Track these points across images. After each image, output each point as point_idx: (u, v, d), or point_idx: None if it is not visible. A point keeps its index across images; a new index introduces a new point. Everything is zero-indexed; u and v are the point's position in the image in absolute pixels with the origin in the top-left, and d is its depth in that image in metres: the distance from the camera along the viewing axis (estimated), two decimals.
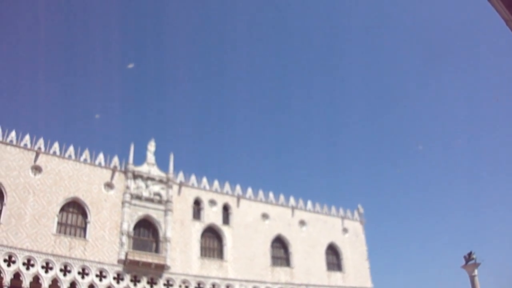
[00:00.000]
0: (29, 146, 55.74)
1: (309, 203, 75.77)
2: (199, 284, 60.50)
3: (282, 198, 73.47)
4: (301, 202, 74.92)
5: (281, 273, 67.67)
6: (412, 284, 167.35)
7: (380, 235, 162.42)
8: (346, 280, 72.68)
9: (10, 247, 50.20)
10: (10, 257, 49.96)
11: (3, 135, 54.51)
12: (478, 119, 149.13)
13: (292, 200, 74.05)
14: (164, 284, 58.13)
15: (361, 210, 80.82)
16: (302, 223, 73.07)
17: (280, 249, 70.24)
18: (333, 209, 78.03)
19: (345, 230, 77.01)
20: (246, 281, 64.01)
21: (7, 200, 51.85)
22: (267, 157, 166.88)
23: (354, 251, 76.12)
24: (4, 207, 51.56)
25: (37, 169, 55.21)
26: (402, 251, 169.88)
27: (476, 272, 51.27)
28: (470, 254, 52.16)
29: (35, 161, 55.29)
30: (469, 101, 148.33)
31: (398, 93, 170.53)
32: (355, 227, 78.81)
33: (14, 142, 54.90)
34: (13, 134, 55.18)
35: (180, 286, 59.02)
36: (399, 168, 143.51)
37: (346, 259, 74.44)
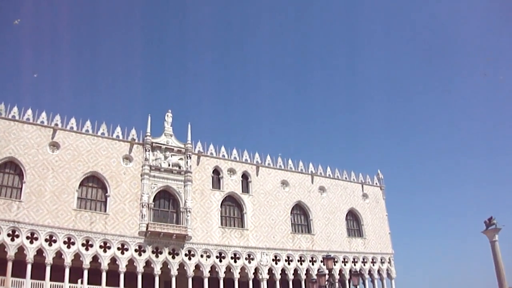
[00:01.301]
0: (46, 123, 55.37)
1: (329, 169, 74.75)
2: (220, 254, 60.13)
3: (301, 164, 72.38)
4: (320, 168, 73.76)
5: (302, 240, 66.98)
6: (432, 249, 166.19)
7: (400, 201, 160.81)
8: (367, 246, 71.91)
9: (32, 224, 50.31)
10: (32, 234, 50.14)
11: (19, 114, 54.14)
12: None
13: (311, 167, 72.91)
14: (186, 255, 57.77)
15: (381, 176, 79.61)
16: (322, 189, 72.08)
17: (301, 216, 69.50)
18: (353, 174, 76.92)
19: (365, 196, 76.03)
20: (267, 249, 63.51)
21: (26, 178, 51.83)
22: (285, 124, 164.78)
23: (374, 217, 75.20)
24: (24, 185, 51.52)
25: (55, 145, 54.83)
26: (423, 216, 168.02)
27: (496, 237, 49.95)
28: (490, 219, 50.78)
29: (52, 137, 54.90)
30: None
31: (418, 60, 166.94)
32: (375, 192, 77.72)
33: (31, 120, 54.54)
34: (29, 112, 54.80)
35: (201, 255, 58.63)
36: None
37: (366, 225, 73.58)
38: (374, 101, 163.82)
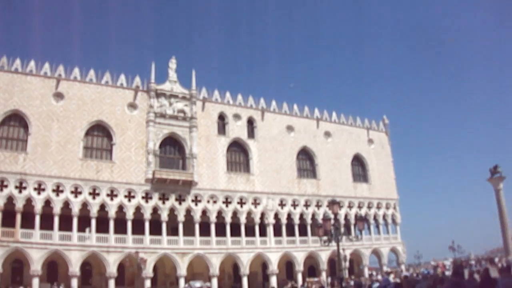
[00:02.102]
0: (49, 74, 54.24)
1: (334, 114, 73.65)
2: (226, 199, 60.07)
3: (306, 109, 71.29)
4: (326, 114, 72.71)
5: (308, 185, 66.85)
6: (437, 195, 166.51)
7: (405, 146, 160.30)
8: (372, 191, 71.85)
9: (39, 175, 50.24)
10: (39, 185, 50.11)
11: (22, 65, 53.12)
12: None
13: (316, 112, 71.90)
14: (192, 200, 57.72)
15: (386, 121, 78.71)
16: (327, 134, 71.33)
17: (306, 161, 69.12)
18: (358, 120, 75.94)
19: (370, 141, 75.37)
20: (273, 193, 63.42)
21: (31, 129, 51.37)
22: (290, 68, 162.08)
23: (380, 162, 74.77)
24: (29, 137, 51.16)
25: (59, 96, 53.92)
26: (428, 162, 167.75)
27: (501, 186, 49.78)
28: (495, 167, 50.48)
29: (56, 88, 53.89)
30: None
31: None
32: (381, 138, 77.02)
33: (34, 72, 53.47)
34: (32, 63, 53.67)
35: (208, 201, 58.65)
36: None
37: (372, 170, 73.26)
38: (380, 45, 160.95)
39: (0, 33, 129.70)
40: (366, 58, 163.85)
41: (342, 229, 27.39)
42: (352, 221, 66.31)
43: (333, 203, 27.91)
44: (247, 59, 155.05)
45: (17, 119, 51.71)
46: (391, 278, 42.22)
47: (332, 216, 27.91)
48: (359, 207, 69.57)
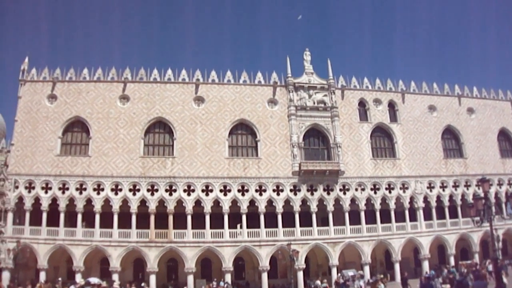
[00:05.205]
0: (187, 79, 48.40)
1: (475, 89, 57.92)
2: (374, 185, 48.88)
3: (446, 87, 56.47)
4: (466, 89, 57.29)
5: (455, 165, 52.68)
6: None
7: None
8: None
9: (188, 177, 44.61)
10: (189, 186, 44.56)
11: (160, 75, 47.97)
12: None
13: (457, 88, 56.71)
14: (340, 189, 47.67)
15: None
16: (470, 110, 56.02)
17: (451, 140, 54.64)
18: (500, 92, 59.15)
19: None
20: (421, 176, 50.62)
21: (176, 134, 46.04)
22: (427, 47, 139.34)
23: None
24: (175, 141, 45.81)
25: (199, 99, 47.64)
26: None
27: None
28: None
29: (196, 92, 47.95)
30: None
31: None
32: None
33: (172, 79, 47.95)
34: (169, 72, 48.65)
35: (356, 189, 48.11)
36: None
37: None
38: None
39: (136, 47, 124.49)
40: (504, 26, 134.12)
41: (493, 208, 20.36)
42: (503, 199, 50.86)
43: (484, 181, 21.19)
44: (380, 43, 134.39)
45: (161, 126, 46.66)
46: None
47: (483, 194, 20.63)
48: (509, 184, 53.74)
